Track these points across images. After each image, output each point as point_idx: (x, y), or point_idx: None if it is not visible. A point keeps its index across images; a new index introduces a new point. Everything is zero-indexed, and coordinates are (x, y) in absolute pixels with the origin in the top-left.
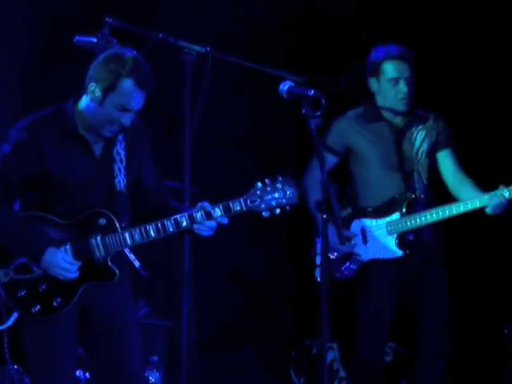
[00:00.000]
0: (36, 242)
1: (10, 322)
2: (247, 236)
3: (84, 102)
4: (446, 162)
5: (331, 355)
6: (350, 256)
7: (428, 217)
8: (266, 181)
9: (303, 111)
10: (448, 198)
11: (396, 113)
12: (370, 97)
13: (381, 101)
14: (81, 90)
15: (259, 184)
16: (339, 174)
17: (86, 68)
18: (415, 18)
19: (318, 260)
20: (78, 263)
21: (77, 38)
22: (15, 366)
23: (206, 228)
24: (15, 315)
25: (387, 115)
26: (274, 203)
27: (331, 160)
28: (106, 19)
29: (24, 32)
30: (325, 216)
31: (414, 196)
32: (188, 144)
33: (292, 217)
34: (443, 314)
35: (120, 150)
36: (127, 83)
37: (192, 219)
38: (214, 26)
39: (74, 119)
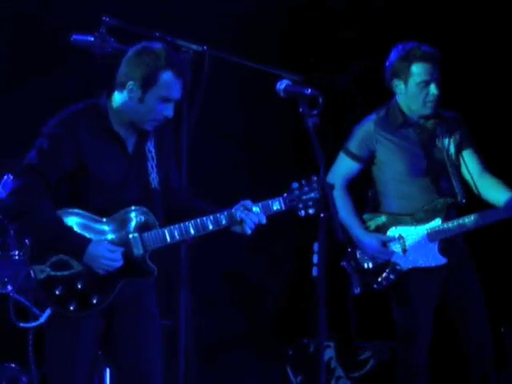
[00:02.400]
0: (78, 235)
1: (42, 319)
2: (244, 235)
3: (119, 99)
4: (469, 161)
5: (328, 354)
6: (387, 265)
7: (471, 222)
8: (302, 181)
9: (300, 110)
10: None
11: (422, 116)
12: (388, 97)
13: (405, 103)
14: (112, 87)
15: (296, 184)
16: (359, 177)
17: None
18: (416, 15)
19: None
20: (121, 249)
21: (74, 36)
22: (12, 365)
23: (249, 222)
24: (48, 312)
25: (412, 118)
26: (311, 203)
27: (354, 167)
28: (103, 18)
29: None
30: (322, 215)
31: (453, 201)
32: (185, 142)
33: (288, 216)
34: (484, 313)
35: (151, 147)
36: (167, 74)
37: (231, 217)
38: (210, 24)
39: (107, 115)
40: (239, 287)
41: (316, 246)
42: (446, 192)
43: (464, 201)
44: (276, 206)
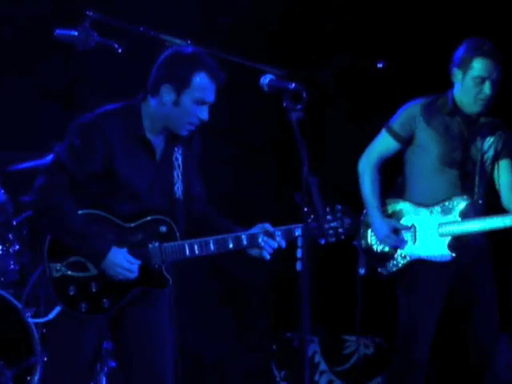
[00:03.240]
0: (100, 240)
1: (50, 316)
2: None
3: (154, 105)
4: (504, 171)
5: (312, 348)
6: (394, 252)
7: (482, 224)
8: (327, 209)
9: (284, 104)
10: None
11: (470, 112)
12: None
13: (459, 94)
14: (146, 91)
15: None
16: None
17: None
18: (399, 10)
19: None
20: (139, 262)
21: (57, 31)
22: None
23: (268, 247)
24: (57, 309)
25: (462, 111)
26: (332, 232)
27: (393, 146)
28: (87, 12)
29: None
30: (306, 209)
31: (471, 200)
32: None
33: (271, 210)
34: (493, 314)
35: (178, 155)
36: (201, 76)
37: (252, 239)
38: (194, 18)
39: (141, 121)
40: (222, 281)
41: (300, 241)
42: (467, 190)
43: (481, 202)
44: (298, 232)
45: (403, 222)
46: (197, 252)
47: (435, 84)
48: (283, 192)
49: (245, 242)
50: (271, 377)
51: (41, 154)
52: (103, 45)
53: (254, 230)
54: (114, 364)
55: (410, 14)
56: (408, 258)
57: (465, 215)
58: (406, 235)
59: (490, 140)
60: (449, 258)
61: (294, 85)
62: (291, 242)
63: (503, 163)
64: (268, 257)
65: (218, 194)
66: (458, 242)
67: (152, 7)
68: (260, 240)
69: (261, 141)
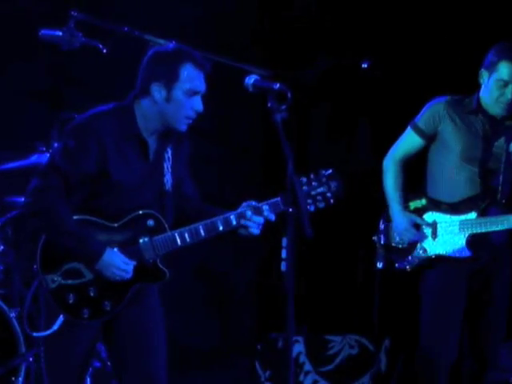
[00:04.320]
0: (94, 242)
1: (55, 327)
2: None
3: (146, 105)
4: None
5: (297, 348)
6: (414, 247)
7: (505, 223)
8: (311, 175)
9: (269, 105)
10: None
11: (494, 113)
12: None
13: (483, 95)
14: (136, 93)
15: (304, 179)
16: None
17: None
18: (383, 12)
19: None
20: (134, 262)
21: (42, 31)
22: None
23: (254, 224)
24: (61, 320)
25: (486, 111)
26: (320, 198)
27: (418, 143)
28: (72, 13)
29: None
30: (291, 210)
31: (494, 198)
32: None
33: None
34: (502, 317)
35: (168, 149)
36: (188, 68)
37: (241, 216)
38: (179, 18)
39: (136, 122)
40: (207, 282)
41: (284, 241)
42: (490, 188)
43: (504, 201)
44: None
45: (425, 218)
46: (188, 240)
47: (421, 84)
48: (268, 192)
49: (234, 222)
50: (256, 377)
51: (25, 154)
52: (88, 45)
53: (241, 209)
54: (98, 364)
55: (395, 13)
56: (428, 253)
57: (487, 213)
58: (427, 230)
59: None
60: (468, 254)
61: (278, 85)
62: (278, 239)
63: None
64: (257, 232)
65: (203, 194)
66: (478, 240)
67: (136, 7)
68: (249, 215)
69: (245, 141)
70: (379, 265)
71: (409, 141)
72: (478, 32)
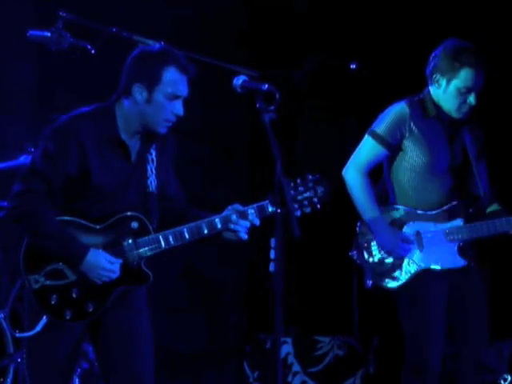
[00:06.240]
0: (77, 244)
1: (38, 328)
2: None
3: (127, 105)
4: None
5: (285, 349)
6: (402, 262)
7: (491, 227)
8: (298, 180)
9: (257, 105)
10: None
11: (453, 116)
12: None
13: (439, 98)
14: (118, 93)
15: (291, 184)
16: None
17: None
18: (372, 12)
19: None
20: (120, 261)
21: (30, 32)
22: None
23: (242, 228)
24: (44, 321)
25: (444, 113)
26: (306, 203)
27: (381, 153)
28: (60, 13)
29: None
30: (279, 211)
31: (477, 203)
32: None
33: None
34: (483, 322)
35: (152, 149)
36: (171, 71)
37: (226, 220)
38: (167, 19)
39: (116, 123)
40: (195, 282)
41: (273, 242)
42: (469, 192)
43: (487, 206)
44: (271, 207)
45: (406, 229)
46: (172, 242)
47: (408, 84)
48: (255, 194)
49: (219, 226)
50: (244, 378)
51: (13, 155)
52: (76, 46)
53: (226, 213)
54: (86, 365)
55: (383, 14)
56: (417, 266)
57: (472, 218)
58: (412, 244)
59: (473, 140)
60: (463, 263)
61: (266, 86)
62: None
63: (479, 164)
64: (245, 236)
65: (190, 195)
66: (468, 248)
67: (125, 8)
68: (234, 218)
69: (233, 142)
70: (369, 283)
71: (370, 152)
72: (468, 32)
